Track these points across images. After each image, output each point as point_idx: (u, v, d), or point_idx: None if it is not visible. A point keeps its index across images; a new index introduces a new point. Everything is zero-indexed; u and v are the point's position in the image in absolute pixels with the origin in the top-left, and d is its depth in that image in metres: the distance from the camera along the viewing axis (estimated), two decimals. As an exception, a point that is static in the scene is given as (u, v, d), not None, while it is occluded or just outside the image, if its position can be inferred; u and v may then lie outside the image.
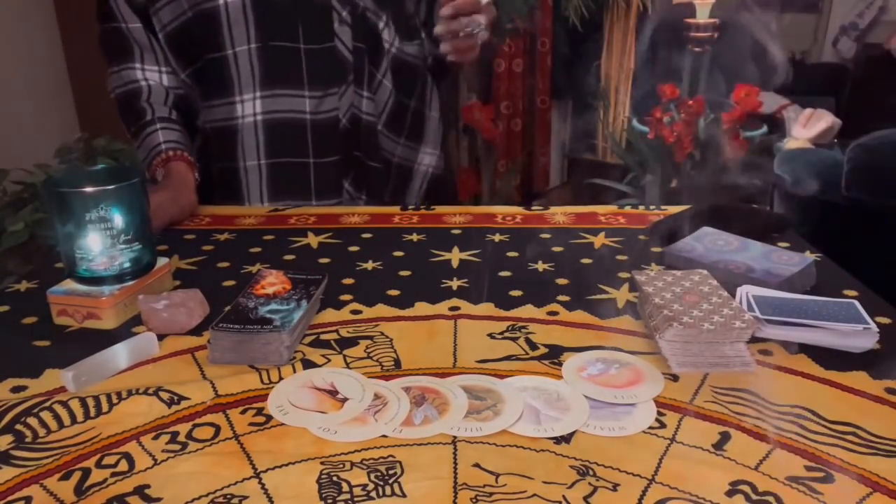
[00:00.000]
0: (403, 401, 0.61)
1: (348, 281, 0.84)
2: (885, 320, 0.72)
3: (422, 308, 0.77)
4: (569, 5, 3.11)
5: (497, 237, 0.97)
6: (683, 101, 2.44)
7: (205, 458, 0.55)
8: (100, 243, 0.73)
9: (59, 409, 0.60)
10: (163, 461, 0.54)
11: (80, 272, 0.74)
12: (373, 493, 0.51)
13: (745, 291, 0.73)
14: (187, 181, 1.05)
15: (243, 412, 0.60)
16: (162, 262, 0.81)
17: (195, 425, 0.58)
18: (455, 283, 0.83)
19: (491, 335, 0.72)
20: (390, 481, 0.52)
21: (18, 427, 0.58)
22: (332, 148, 1.10)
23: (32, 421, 0.58)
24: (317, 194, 1.12)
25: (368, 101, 1.12)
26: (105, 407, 0.60)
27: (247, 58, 1.04)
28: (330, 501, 0.50)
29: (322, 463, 0.54)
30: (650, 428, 0.57)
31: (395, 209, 1.09)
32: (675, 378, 0.64)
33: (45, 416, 0.59)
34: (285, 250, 0.93)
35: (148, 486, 0.52)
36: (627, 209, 1.07)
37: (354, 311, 0.77)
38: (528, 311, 0.76)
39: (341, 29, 1.05)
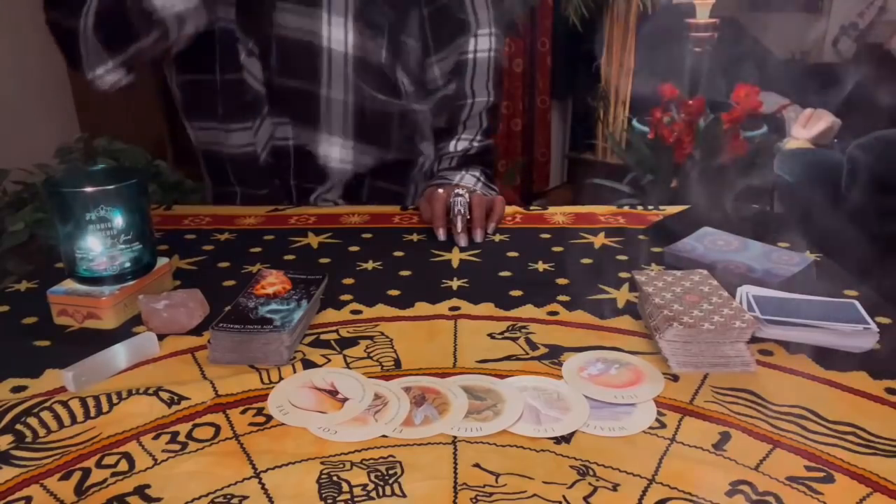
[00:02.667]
0: (403, 401, 0.61)
1: (348, 281, 0.84)
2: (885, 320, 0.72)
3: (422, 308, 0.77)
4: (569, 5, 3.10)
5: (497, 237, 0.97)
6: (683, 101, 2.44)
7: (205, 458, 0.55)
8: (100, 243, 0.73)
9: (59, 409, 0.60)
10: (163, 461, 0.54)
11: (80, 272, 0.74)
12: (373, 493, 0.51)
13: (746, 291, 0.74)
14: None
15: (243, 412, 0.60)
16: (162, 262, 0.81)
17: (195, 425, 0.58)
18: (455, 283, 0.83)
19: (491, 335, 0.72)
20: (390, 481, 0.52)
21: (18, 427, 0.58)
22: (255, 181, 1.09)
23: (32, 421, 0.58)
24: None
25: (304, 131, 1.06)
26: (105, 407, 0.60)
27: (177, 88, 1.06)
28: (330, 501, 0.50)
29: (322, 463, 0.54)
30: (650, 428, 0.57)
31: (395, 209, 1.09)
32: (675, 378, 0.64)
33: (45, 416, 0.59)
34: (285, 250, 0.93)
35: (148, 486, 0.52)
36: (627, 209, 1.07)
37: (354, 311, 0.77)
38: (528, 311, 0.76)
39: (249, 60, 1.01)
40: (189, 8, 0.89)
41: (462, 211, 0.96)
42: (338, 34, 1.01)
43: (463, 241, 0.94)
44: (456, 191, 0.98)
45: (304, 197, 1.12)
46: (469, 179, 1.07)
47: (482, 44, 1.09)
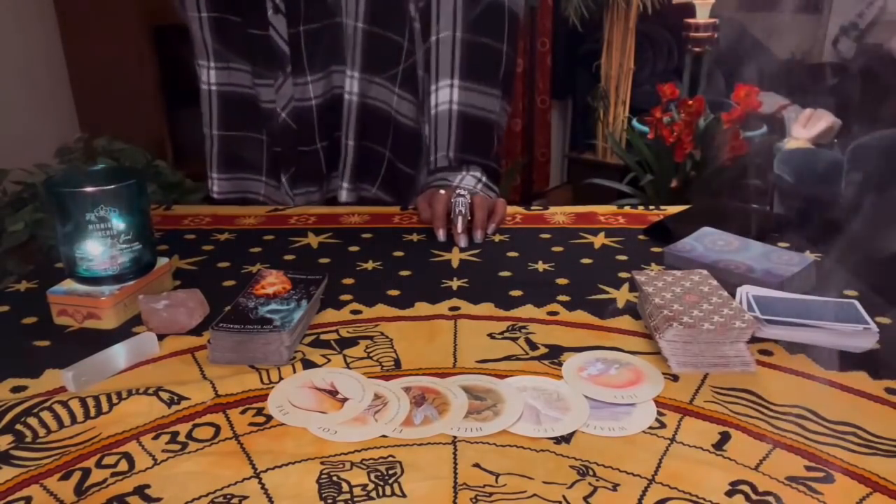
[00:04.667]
0: (403, 401, 0.61)
1: (348, 281, 0.84)
2: (885, 320, 0.72)
3: (422, 308, 0.77)
4: (569, 5, 3.11)
5: (497, 237, 0.97)
6: (683, 101, 2.44)
7: (205, 458, 0.55)
8: (100, 243, 0.73)
9: (59, 409, 0.60)
10: (163, 461, 0.54)
11: (80, 272, 0.74)
12: (373, 493, 0.51)
13: (745, 291, 0.74)
14: None
15: (243, 412, 0.60)
16: (162, 262, 0.81)
17: (195, 425, 0.58)
18: (455, 283, 0.83)
19: (491, 335, 0.72)
20: (390, 481, 0.52)
21: (18, 427, 0.58)
22: (273, 138, 1.08)
23: (32, 421, 0.58)
24: (267, 172, 1.13)
25: (322, 102, 1.05)
26: (105, 407, 0.60)
27: (199, 25, 1.05)
28: (330, 501, 0.50)
29: (322, 463, 0.54)
30: (650, 428, 0.57)
31: (395, 209, 1.09)
32: (675, 378, 0.64)
33: (45, 416, 0.59)
34: (285, 250, 0.93)
35: (148, 486, 0.52)
36: (627, 209, 1.07)
37: (354, 311, 0.77)
38: (528, 311, 0.76)
39: (276, 18, 1.01)
40: None
41: (463, 211, 0.95)
42: None
43: (463, 242, 0.94)
44: (458, 191, 0.98)
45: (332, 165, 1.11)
46: (469, 180, 1.05)
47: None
